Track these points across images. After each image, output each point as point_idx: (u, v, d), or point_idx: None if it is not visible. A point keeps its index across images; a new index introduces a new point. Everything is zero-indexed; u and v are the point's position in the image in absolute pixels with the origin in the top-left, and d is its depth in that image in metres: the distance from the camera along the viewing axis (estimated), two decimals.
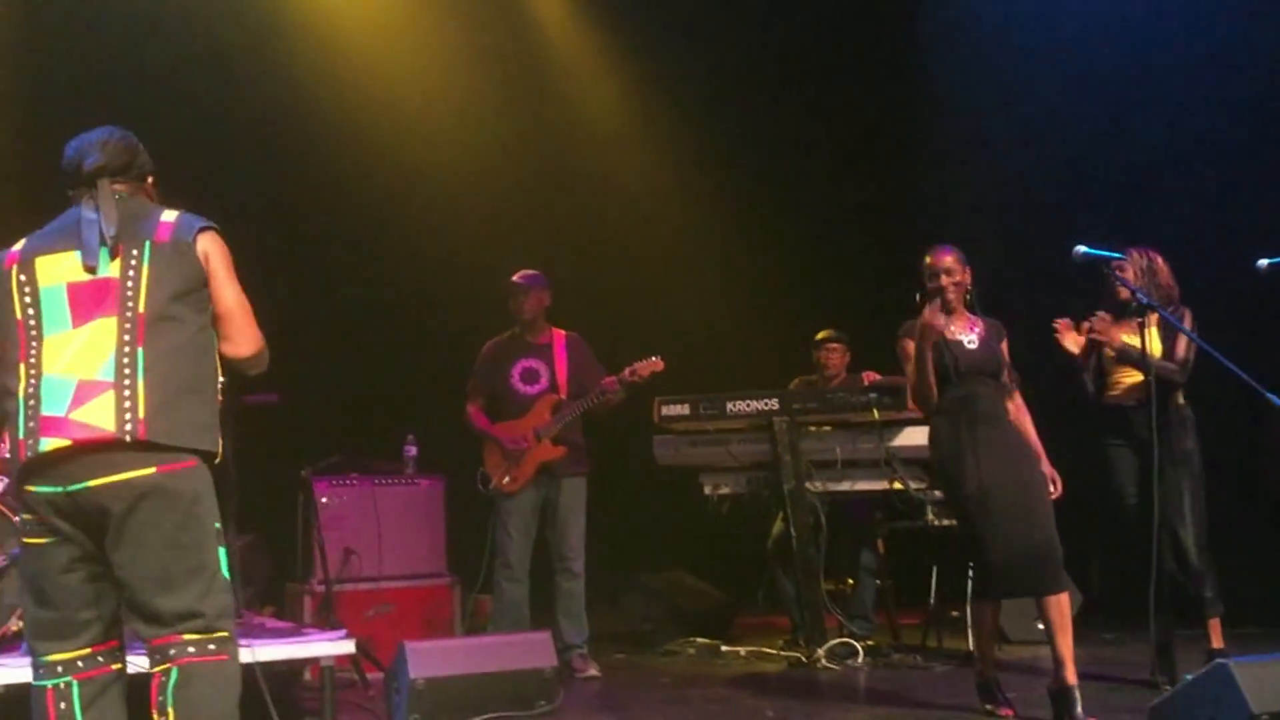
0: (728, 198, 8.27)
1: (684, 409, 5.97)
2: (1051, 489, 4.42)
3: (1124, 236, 4.99)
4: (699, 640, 6.31)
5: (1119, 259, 4.78)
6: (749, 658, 5.96)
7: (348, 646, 4.64)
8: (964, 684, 5.10)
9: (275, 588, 6.12)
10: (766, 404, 5.88)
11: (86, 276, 2.75)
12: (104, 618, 2.76)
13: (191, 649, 2.61)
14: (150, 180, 3.01)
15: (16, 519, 4.44)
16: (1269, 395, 4.34)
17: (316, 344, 7.28)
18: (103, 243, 2.76)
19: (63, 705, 2.69)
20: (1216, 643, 4.82)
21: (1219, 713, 3.33)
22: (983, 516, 4.23)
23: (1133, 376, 4.92)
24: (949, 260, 4.48)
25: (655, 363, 5.58)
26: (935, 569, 6.11)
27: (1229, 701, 3.28)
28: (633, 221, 8.27)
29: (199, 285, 2.81)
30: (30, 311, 2.77)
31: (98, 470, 2.63)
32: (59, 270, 2.77)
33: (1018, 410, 4.52)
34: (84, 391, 2.66)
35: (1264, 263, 4.48)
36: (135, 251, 2.77)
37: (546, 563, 5.70)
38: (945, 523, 5.45)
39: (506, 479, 5.58)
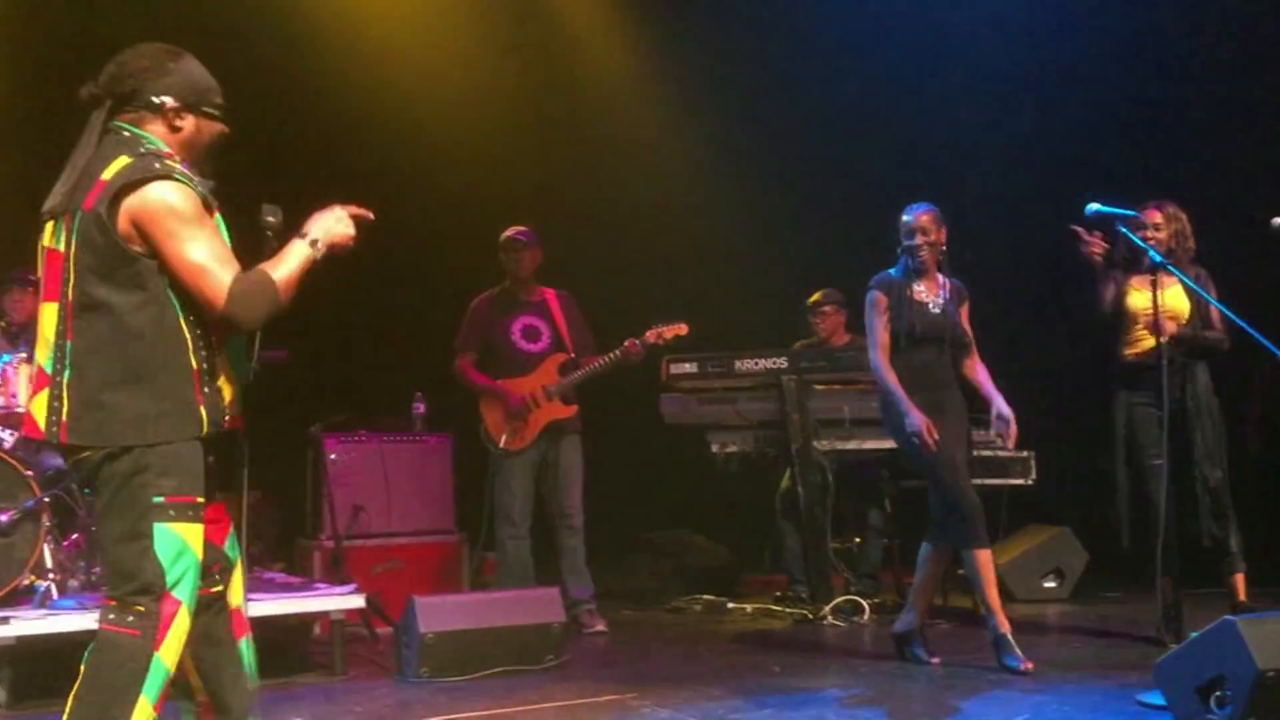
0: (736, 157, 8.22)
1: (692, 367, 5.98)
2: (1007, 434, 4.52)
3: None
4: (705, 597, 6.34)
5: (1134, 216, 4.72)
6: (755, 614, 5.99)
7: (357, 601, 4.68)
8: (969, 640, 5.15)
9: (285, 544, 6.17)
10: (775, 363, 5.89)
11: (51, 244, 2.54)
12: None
13: (111, 615, 2.50)
14: (174, 108, 2.58)
15: (28, 472, 4.50)
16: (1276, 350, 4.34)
17: (327, 301, 7.26)
18: (51, 203, 2.51)
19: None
20: (1242, 597, 4.79)
21: (1225, 669, 3.33)
22: (950, 471, 4.39)
23: (1146, 331, 4.84)
24: (925, 219, 4.58)
25: (679, 327, 5.58)
26: None
27: (1235, 658, 3.29)
28: (639, 179, 8.22)
29: (122, 262, 2.46)
30: (41, 274, 2.62)
31: (64, 455, 2.64)
32: (48, 231, 2.58)
33: (972, 368, 4.65)
34: (38, 380, 2.57)
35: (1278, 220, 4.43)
36: (72, 225, 2.49)
37: (544, 520, 5.71)
38: None
39: (515, 437, 5.57)
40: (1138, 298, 4.83)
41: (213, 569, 2.68)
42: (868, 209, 8.13)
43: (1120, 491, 4.88)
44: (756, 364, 5.91)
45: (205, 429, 2.56)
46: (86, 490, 2.75)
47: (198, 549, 2.54)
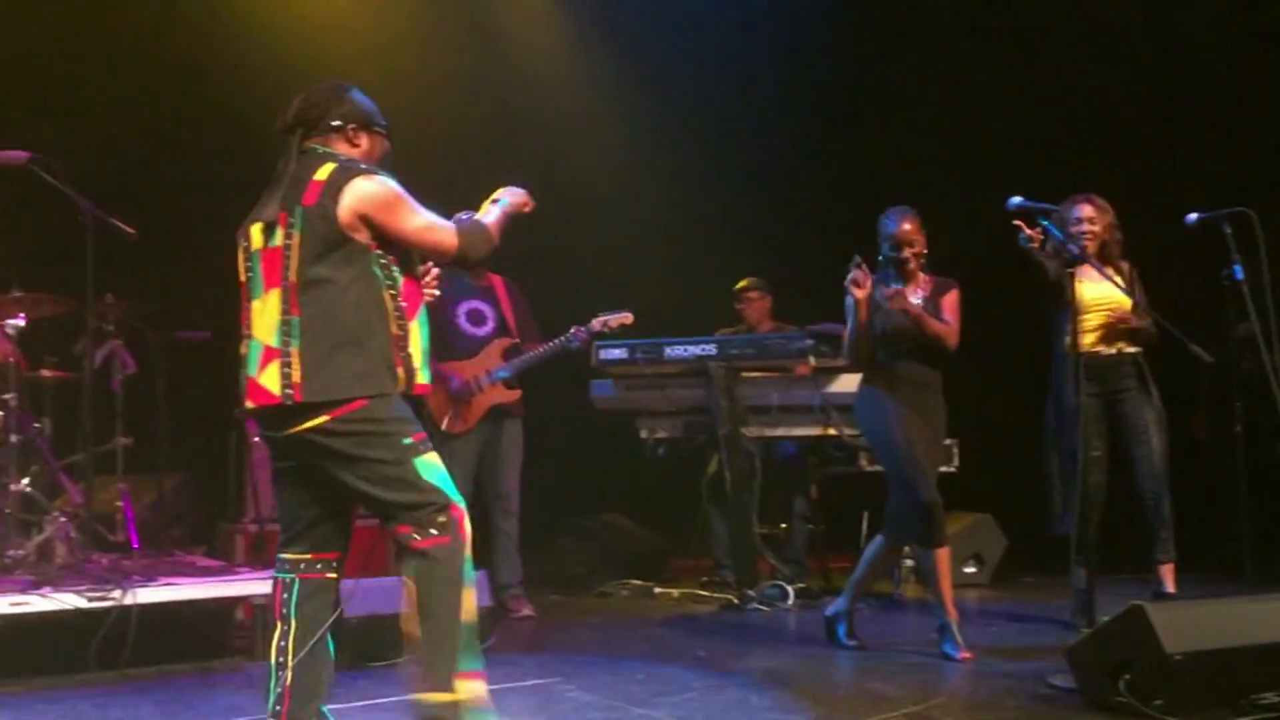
0: (668, 146, 8.24)
1: (622, 353, 5.99)
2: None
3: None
4: (632, 582, 6.38)
5: (1055, 210, 4.76)
6: (681, 599, 6.04)
7: None
8: (891, 624, 5.26)
9: (208, 527, 6.08)
10: (704, 349, 5.92)
11: (265, 244, 3.00)
12: (318, 529, 3.10)
13: (417, 535, 2.94)
14: (353, 128, 3.11)
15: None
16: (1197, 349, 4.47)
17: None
18: (270, 211, 2.98)
19: (285, 595, 3.06)
20: (1170, 588, 4.89)
21: (1134, 653, 3.43)
22: (912, 464, 4.43)
23: (1100, 327, 4.91)
24: (910, 230, 4.58)
25: (625, 316, 5.59)
26: (866, 514, 6.23)
27: (1144, 642, 3.38)
28: (572, 166, 8.21)
29: (341, 242, 2.93)
30: (248, 275, 3.06)
31: (285, 423, 2.95)
32: (259, 236, 3.03)
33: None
34: (265, 356, 2.96)
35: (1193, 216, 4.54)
36: (292, 220, 2.96)
37: (482, 503, 5.68)
38: (877, 468, 5.54)
39: (457, 420, 5.54)
40: (1086, 290, 4.80)
41: (331, 555, 3.13)
42: (796, 198, 8.28)
43: (1052, 480, 4.95)
44: (686, 351, 5.94)
45: (401, 386, 3.00)
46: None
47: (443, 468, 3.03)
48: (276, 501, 3.21)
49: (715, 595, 6.01)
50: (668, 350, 5.95)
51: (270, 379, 2.93)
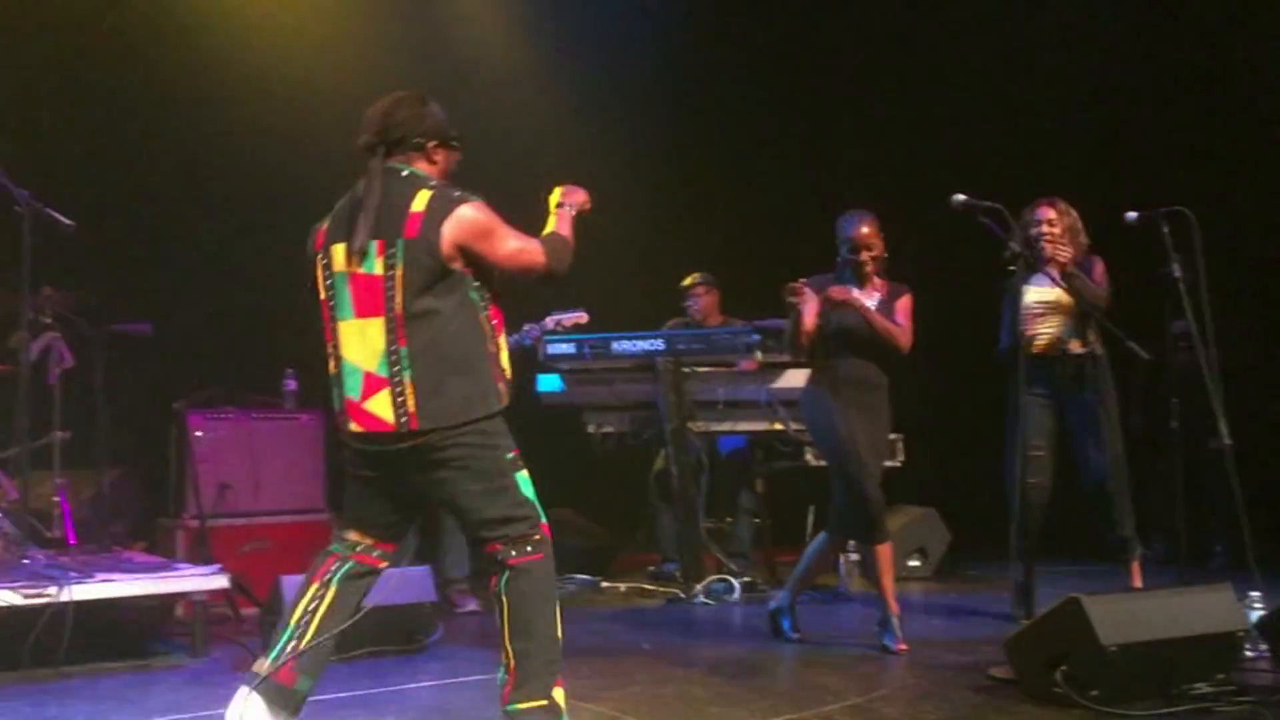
0: (614, 139, 8.24)
1: (569, 348, 5.98)
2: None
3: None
4: (579, 576, 6.37)
5: (999, 209, 4.77)
6: (628, 593, 6.05)
7: (220, 581, 4.59)
8: (835, 617, 5.30)
9: (147, 523, 5.99)
10: (651, 345, 5.93)
11: (360, 270, 3.05)
12: (389, 526, 3.24)
13: (514, 551, 3.06)
14: (433, 144, 3.17)
15: None
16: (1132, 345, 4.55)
17: (195, 274, 7.07)
18: (362, 239, 3.01)
19: (334, 565, 3.19)
20: (1137, 583, 4.92)
21: (1071, 645, 3.49)
22: (855, 462, 4.47)
23: (1053, 329, 4.94)
24: (868, 233, 4.61)
25: (580, 315, 5.58)
26: (812, 508, 6.27)
27: (1080, 634, 3.44)
28: (520, 159, 8.17)
29: (444, 273, 3.02)
30: (330, 294, 3.12)
31: (392, 442, 3.05)
32: (342, 258, 3.07)
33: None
34: (370, 383, 3.05)
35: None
36: (392, 250, 3.01)
37: None
38: (824, 463, 5.58)
39: None
40: (1032, 292, 4.86)
41: (389, 547, 3.25)
42: (746, 193, 8.31)
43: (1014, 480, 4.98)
44: (633, 346, 5.94)
45: (504, 401, 3.14)
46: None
47: None
48: (350, 500, 3.27)
49: (661, 589, 6.02)
50: (615, 345, 5.95)
51: (381, 407, 3.03)
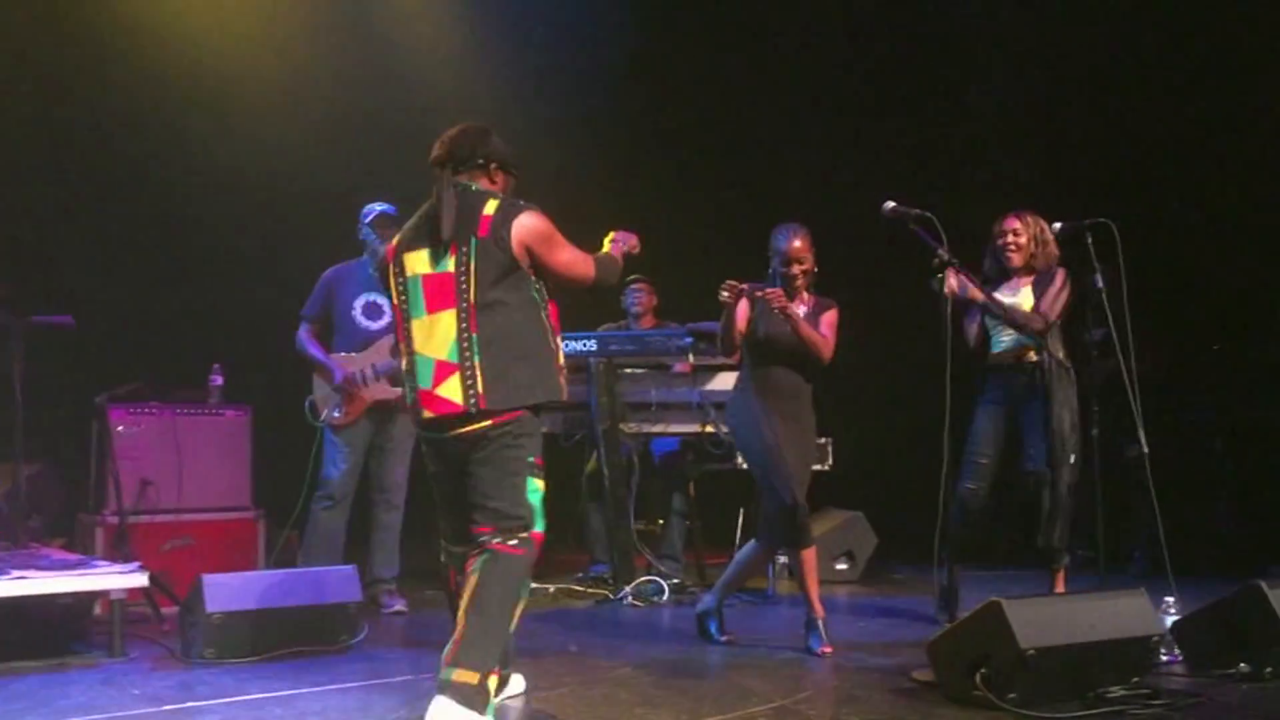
0: (554, 136, 8.23)
1: None
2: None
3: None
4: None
5: (926, 215, 4.77)
6: (557, 595, 6.03)
7: (140, 579, 4.50)
8: (763, 620, 5.32)
9: (66, 519, 5.87)
10: (584, 345, 5.92)
11: (433, 270, 3.43)
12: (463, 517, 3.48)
13: (499, 538, 3.36)
14: (494, 166, 3.55)
15: None
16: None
17: (121, 267, 6.94)
18: (440, 242, 3.39)
19: (459, 577, 3.45)
20: (1060, 591, 4.93)
21: (991, 648, 3.54)
22: (778, 470, 4.51)
23: (1009, 335, 4.98)
24: (800, 247, 4.64)
25: None
26: (742, 511, 6.31)
27: (1000, 637, 3.49)
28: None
29: (512, 269, 3.40)
30: (403, 298, 3.50)
31: (455, 426, 3.41)
32: (417, 263, 3.47)
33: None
34: (441, 370, 3.40)
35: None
36: (465, 249, 3.39)
37: (362, 495, 5.59)
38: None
39: (337, 412, 5.43)
40: (986, 302, 4.89)
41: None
42: (682, 196, 8.35)
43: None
44: (566, 346, 5.90)
45: (563, 396, 3.49)
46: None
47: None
48: (440, 512, 3.61)
49: (591, 591, 6.01)
50: None
51: (451, 390, 3.37)
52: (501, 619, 3.30)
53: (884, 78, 8.08)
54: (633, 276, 6.57)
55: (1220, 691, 3.78)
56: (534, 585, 6.20)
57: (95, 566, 4.60)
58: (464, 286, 3.38)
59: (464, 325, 3.38)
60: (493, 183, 3.56)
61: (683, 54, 8.32)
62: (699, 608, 4.83)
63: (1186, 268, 7.31)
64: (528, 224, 3.41)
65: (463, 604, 3.28)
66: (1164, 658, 4.03)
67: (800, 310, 4.62)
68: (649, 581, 5.87)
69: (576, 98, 8.20)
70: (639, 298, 6.58)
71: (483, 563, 3.31)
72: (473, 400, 3.35)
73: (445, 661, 3.20)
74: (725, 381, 5.72)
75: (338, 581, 4.61)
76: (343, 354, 5.47)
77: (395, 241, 3.58)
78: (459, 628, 3.26)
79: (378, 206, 5.52)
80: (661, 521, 6.44)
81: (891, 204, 4.49)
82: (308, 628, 4.43)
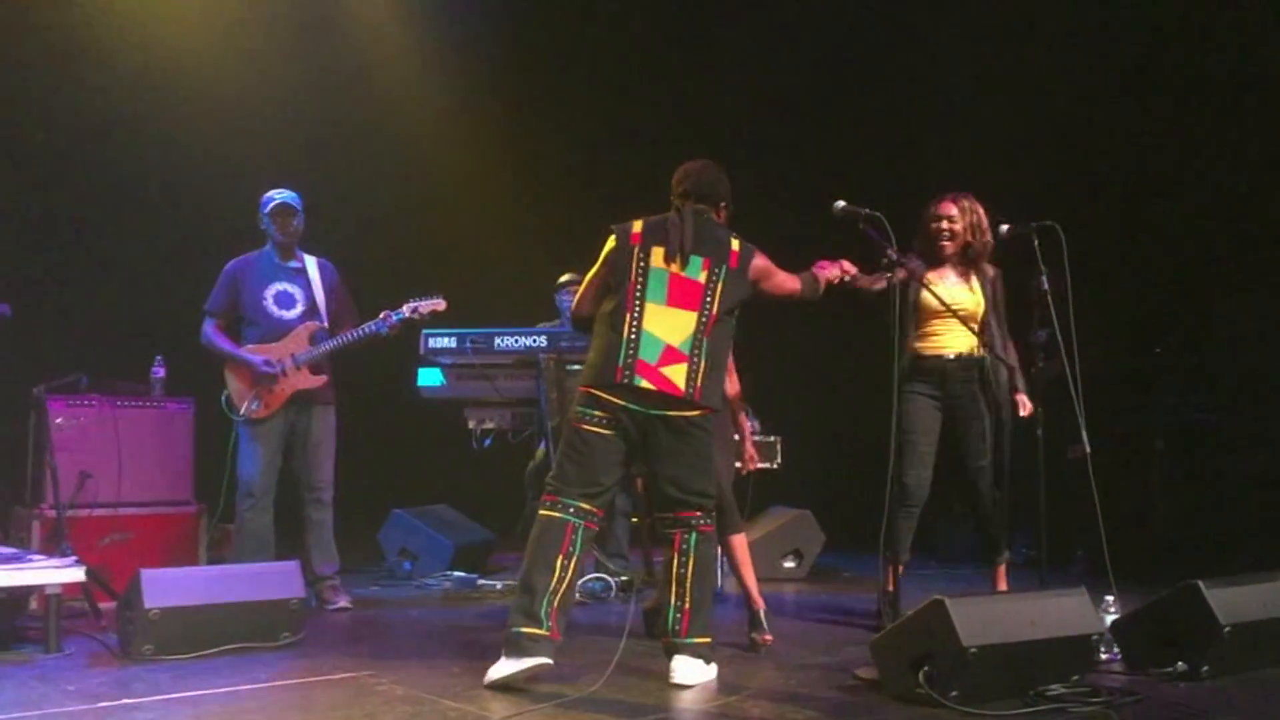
0: (499, 139, 8.22)
1: (450, 342, 5.92)
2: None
3: None
4: (456, 574, 6.30)
5: (876, 215, 4.75)
6: (504, 591, 6.00)
7: (76, 574, 4.42)
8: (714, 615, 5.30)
9: (2, 512, 5.75)
10: (534, 341, 5.89)
11: (681, 272, 4.02)
12: (605, 491, 4.01)
13: (706, 520, 4.06)
14: (723, 205, 4.22)
15: None
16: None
17: (60, 257, 6.82)
18: (680, 250, 4.01)
19: (574, 536, 3.93)
20: (1002, 587, 5.03)
21: (934, 646, 3.55)
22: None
23: (950, 329, 4.91)
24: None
25: (437, 303, 5.48)
26: None
27: (943, 635, 3.51)
28: (405, 150, 8.08)
29: (745, 301, 4.11)
30: (640, 280, 4.01)
31: (660, 407, 3.95)
32: (658, 258, 4.03)
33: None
34: (669, 355, 3.94)
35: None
36: (717, 270, 4.04)
37: (292, 493, 5.53)
38: None
39: (255, 405, 5.37)
40: (939, 292, 4.83)
41: (601, 513, 4.07)
42: (615, 194, 8.34)
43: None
44: (516, 342, 5.90)
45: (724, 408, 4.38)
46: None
47: None
48: (578, 469, 3.96)
49: None
50: (498, 341, 5.90)
51: (676, 374, 3.92)
52: (713, 589, 4.13)
53: (835, 75, 8.11)
54: (564, 278, 6.54)
55: (1158, 690, 3.82)
56: (481, 582, 6.20)
57: (31, 561, 4.50)
58: (709, 299, 4.00)
59: (701, 329, 3.97)
60: (719, 216, 4.20)
61: (638, 52, 8.32)
62: (648, 605, 4.82)
63: (1129, 269, 7.40)
64: (761, 265, 4.13)
65: (688, 578, 3.98)
66: (1104, 656, 4.07)
67: None
68: (596, 578, 5.85)
69: (514, 87, 8.19)
70: (571, 299, 6.52)
71: (696, 543, 4.01)
72: (691, 389, 3.92)
73: (684, 631, 3.94)
74: None
75: (279, 577, 4.55)
76: (256, 345, 5.41)
77: (636, 231, 4.08)
78: (685, 601, 3.97)
79: (277, 195, 5.46)
80: (607, 519, 6.40)
81: (842, 203, 4.49)
82: (248, 624, 4.37)
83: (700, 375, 3.94)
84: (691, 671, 3.91)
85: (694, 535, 4.01)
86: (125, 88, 7.05)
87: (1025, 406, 4.91)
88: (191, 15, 7.26)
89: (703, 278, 4.02)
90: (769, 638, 4.51)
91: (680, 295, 4.01)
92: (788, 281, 4.25)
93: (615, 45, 8.30)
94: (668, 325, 3.97)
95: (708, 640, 3.98)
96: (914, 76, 8.00)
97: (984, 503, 4.99)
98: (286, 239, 5.49)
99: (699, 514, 4.02)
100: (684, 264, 4.02)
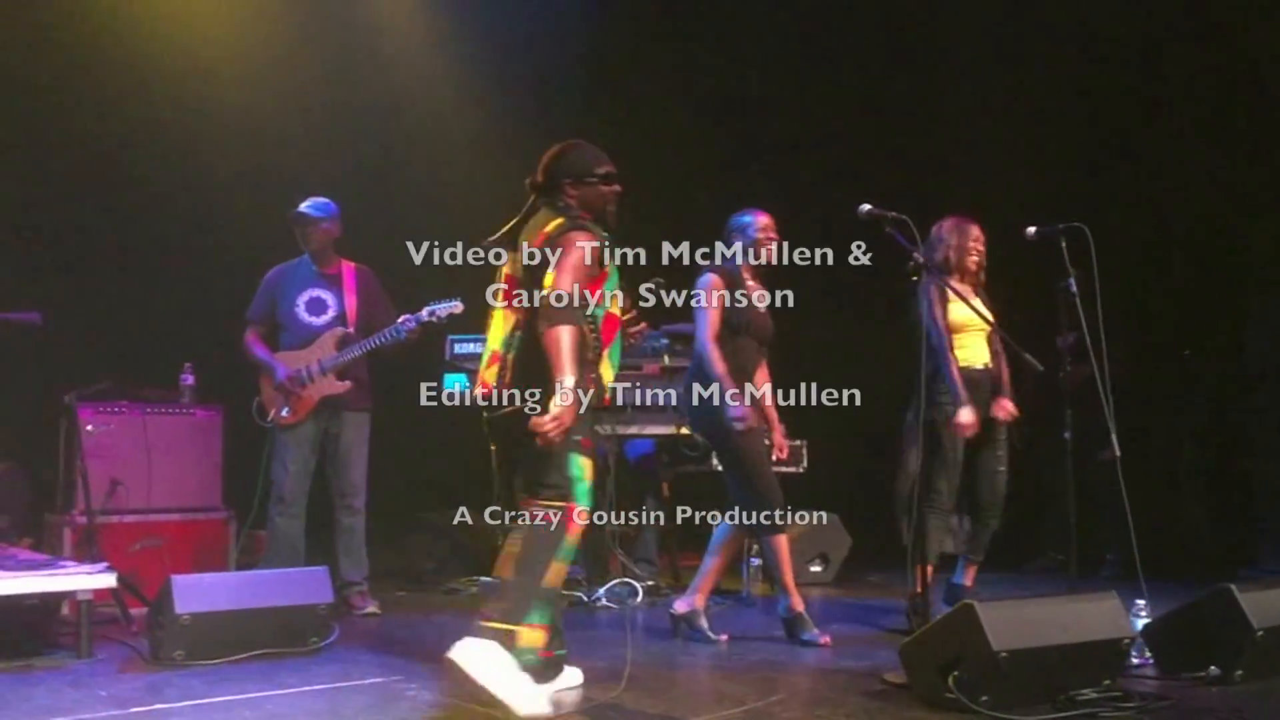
0: (520, 140, 8.22)
1: (476, 347, 5.93)
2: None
3: None
4: (482, 579, 6.31)
5: (902, 218, 4.77)
6: None
7: (108, 580, 4.45)
8: (738, 620, 5.31)
9: (34, 519, 5.80)
10: None
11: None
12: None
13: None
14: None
15: None
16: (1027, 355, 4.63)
17: (91, 265, 6.87)
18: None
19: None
20: (969, 583, 5.12)
21: (964, 651, 3.54)
22: (762, 462, 4.62)
23: (977, 341, 5.11)
24: (770, 220, 4.83)
25: (455, 306, 5.49)
26: (717, 513, 6.28)
27: (973, 640, 3.50)
28: (427, 155, 8.10)
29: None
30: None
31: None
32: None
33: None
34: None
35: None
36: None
37: (325, 498, 5.56)
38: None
39: (285, 411, 5.41)
40: (958, 309, 5.00)
41: None
42: (639, 208, 8.33)
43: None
44: None
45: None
46: None
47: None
48: None
49: (564, 592, 5.95)
50: None
51: (491, 376, 4.00)
52: (537, 579, 3.57)
53: (860, 80, 8.09)
54: None
55: (1190, 694, 3.79)
56: None
57: (63, 567, 4.54)
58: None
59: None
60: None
61: (648, 52, 8.32)
62: (679, 608, 4.82)
63: (1157, 273, 7.35)
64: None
65: (502, 564, 3.66)
66: (1135, 660, 4.04)
67: (762, 293, 4.83)
68: (622, 583, 5.86)
69: (534, 98, 8.21)
70: None
71: (521, 529, 3.68)
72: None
73: (482, 616, 3.50)
74: None
75: (309, 582, 4.57)
76: (286, 352, 5.44)
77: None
78: (498, 588, 3.66)
79: (300, 207, 5.51)
80: (636, 523, 6.42)
81: (867, 206, 4.48)
82: (278, 629, 4.39)
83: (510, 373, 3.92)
84: (474, 653, 3.42)
85: (522, 521, 3.68)
86: (157, 97, 7.10)
87: (1007, 410, 5.11)
88: (230, 28, 7.31)
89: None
90: (827, 639, 4.60)
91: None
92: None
93: (634, 59, 8.31)
94: None
95: (505, 629, 3.44)
96: (937, 76, 7.97)
97: (996, 506, 5.08)
98: (309, 248, 5.53)
99: (531, 500, 3.69)
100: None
